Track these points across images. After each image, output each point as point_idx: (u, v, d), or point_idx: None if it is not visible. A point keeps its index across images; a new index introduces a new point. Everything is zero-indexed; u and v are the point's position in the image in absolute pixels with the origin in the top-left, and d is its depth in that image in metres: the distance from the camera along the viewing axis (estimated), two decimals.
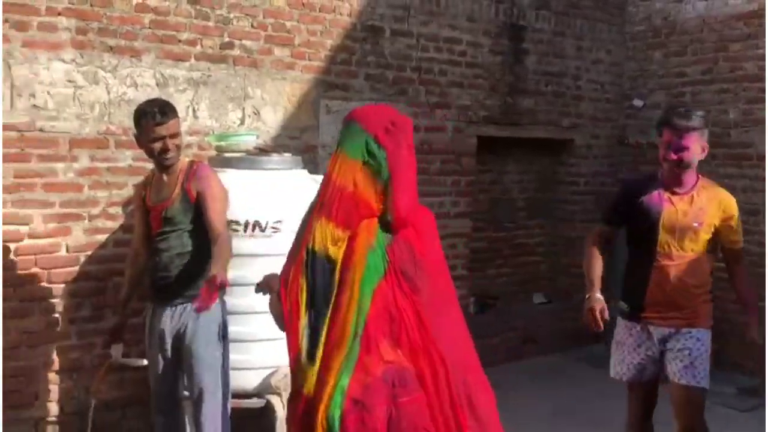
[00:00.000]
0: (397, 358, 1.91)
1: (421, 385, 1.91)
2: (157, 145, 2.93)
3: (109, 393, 3.75)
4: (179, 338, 3.06)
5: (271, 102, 4.33)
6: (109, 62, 3.76)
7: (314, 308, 1.89)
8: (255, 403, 3.33)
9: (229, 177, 3.35)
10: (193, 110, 4.04)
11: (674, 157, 2.99)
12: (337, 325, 1.86)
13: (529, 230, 6.10)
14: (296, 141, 4.43)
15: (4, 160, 3.52)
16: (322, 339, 1.87)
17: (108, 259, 3.83)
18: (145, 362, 3.49)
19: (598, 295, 2.98)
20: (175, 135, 2.96)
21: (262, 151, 3.71)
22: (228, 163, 3.51)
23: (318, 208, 1.99)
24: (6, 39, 3.47)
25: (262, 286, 2.14)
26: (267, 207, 3.33)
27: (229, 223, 3.23)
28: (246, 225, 3.29)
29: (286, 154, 3.80)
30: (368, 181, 2.03)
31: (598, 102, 6.03)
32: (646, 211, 3.08)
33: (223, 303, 3.06)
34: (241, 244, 3.25)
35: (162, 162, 2.99)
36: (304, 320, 1.89)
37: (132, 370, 3.65)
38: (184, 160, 3.09)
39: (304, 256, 1.92)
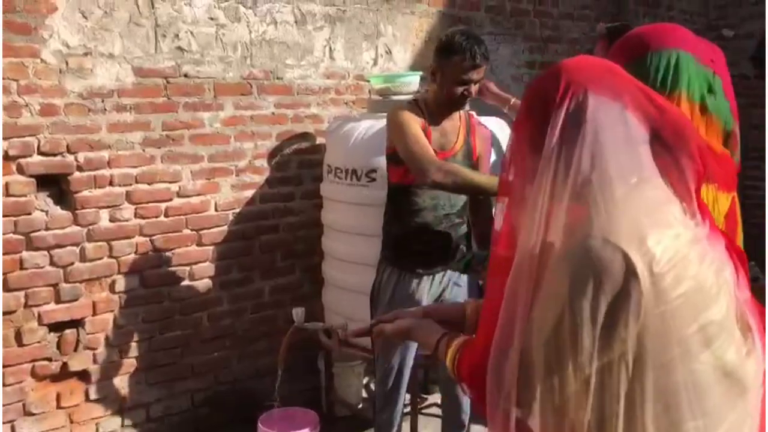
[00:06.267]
0: None
1: None
2: (461, 89, 2.52)
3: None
4: None
5: (402, 39, 3.97)
6: None
7: None
8: None
9: None
10: (330, 50, 3.68)
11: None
12: None
13: None
14: (424, 82, 4.10)
15: (152, 110, 3.14)
16: None
17: (255, 217, 3.52)
18: (321, 324, 3.24)
19: None
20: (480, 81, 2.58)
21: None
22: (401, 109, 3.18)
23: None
24: None
25: None
26: None
27: None
28: None
29: None
30: (711, 130, 1.67)
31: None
32: None
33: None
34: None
35: (451, 105, 2.59)
36: None
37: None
38: None
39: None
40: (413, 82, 3.35)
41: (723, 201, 1.54)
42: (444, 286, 2.69)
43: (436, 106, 2.60)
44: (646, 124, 1.12)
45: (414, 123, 2.53)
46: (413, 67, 4.00)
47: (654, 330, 1.07)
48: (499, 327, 1.16)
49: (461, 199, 2.66)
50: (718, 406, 1.12)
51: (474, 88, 2.53)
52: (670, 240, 1.09)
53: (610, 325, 1.06)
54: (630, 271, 1.05)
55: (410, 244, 2.63)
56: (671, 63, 1.45)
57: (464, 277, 2.71)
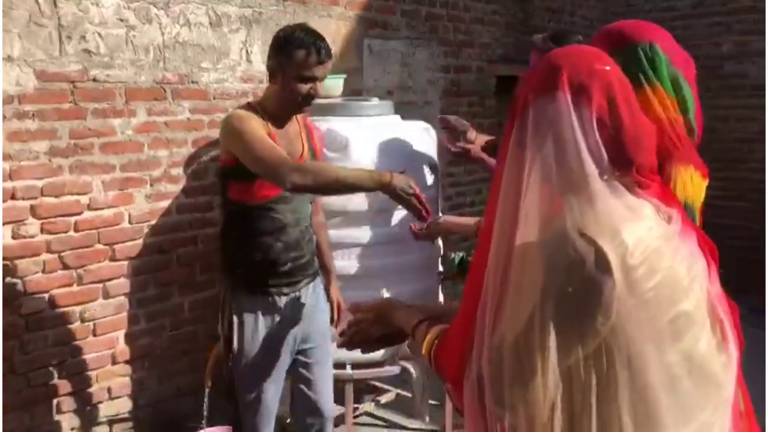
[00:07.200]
0: None
1: None
2: (307, 87, 2.32)
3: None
4: (303, 325, 2.51)
5: None
6: None
7: None
8: (388, 370, 3.06)
9: (335, 126, 2.99)
10: (247, 53, 3.54)
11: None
12: None
13: None
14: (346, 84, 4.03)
15: (58, 117, 2.91)
16: None
17: (172, 228, 3.33)
18: None
19: None
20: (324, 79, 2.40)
21: (359, 96, 3.33)
22: (327, 111, 3.11)
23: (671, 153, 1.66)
24: None
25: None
26: (388, 158, 2.99)
27: None
28: None
29: (374, 99, 3.43)
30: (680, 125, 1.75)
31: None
32: None
33: None
34: (364, 200, 2.94)
35: (295, 108, 2.39)
36: None
37: None
38: None
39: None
40: (336, 85, 3.28)
41: (704, 187, 1.61)
42: (312, 302, 2.51)
43: (278, 110, 2.36)
44: (611, 128, 1.11)
45: (258, 127, 2.27)
46: (332, 71, 3.90)
47: (627, 322, 1.06)
48: (478, 325, 1.14)
49: (309, 208, 2.50)
50: (692, 399, 1.13)
51: (320, 86, 2.34)
52: (643, 232, 1.10)
53: (583, 319, 1.06)
54: (603, 264, 1.05)
55: (275, 266, 2.39)
56: (656, 56, 1.56)
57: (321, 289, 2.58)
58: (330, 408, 2.64)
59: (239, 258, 2.40)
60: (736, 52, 5.59)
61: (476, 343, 1.16)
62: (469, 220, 2.93)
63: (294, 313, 2.47)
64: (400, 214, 3.00)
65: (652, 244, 1.09)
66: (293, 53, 2.28)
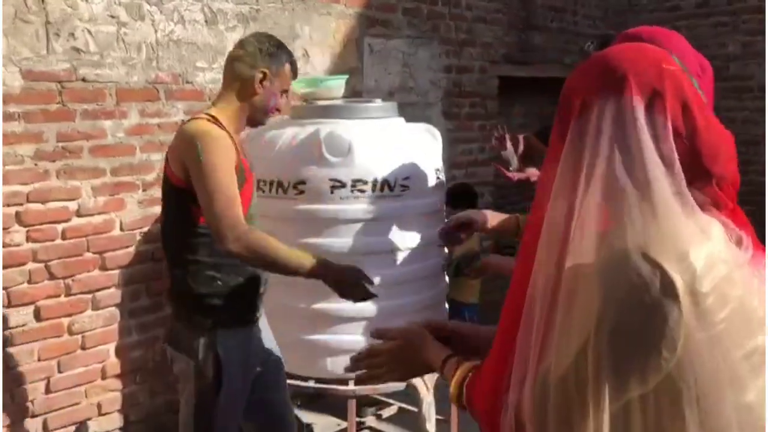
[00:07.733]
0: None
1: None
2: (282, 101, 2.23)
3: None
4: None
5: (319, 41, 3.75)
6: None
7: None
8: (393, 386, 2.91)
9: (337, 130, 2.84)
10: None
11: None
12: None
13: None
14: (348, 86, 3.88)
15: (45, 119, 2.76)
16: None
17: None
18: None
19: None
20: None
21: (359, 97, 3.19)
22: (329, 113, 2.96)
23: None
24: None
25: None
26: (392, 163, 2.85)
27: (355, 183, 2.77)
28: (374, 184, 2.79)
29: (378, 100, 3.29)
30: None
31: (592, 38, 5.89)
32: None
33: None
34: (368, 206, 2.80)
35: (263, 120, 2.26)
36: None
37: None
38: None
39: None
40: (339, 86, 3.13)
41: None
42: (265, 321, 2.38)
43: (248, 122, 2.21)
44: (685, 136, 0.98)
45: (230, 157, 2.03)
46: (332, 71, 3.78)
47: (696, 356, 0.93)
48: (517, 354, 1.00)
49: None
50: None
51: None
52: (713, 255, 0.96)
53: (645, 352, 0.93)
54: (670, 290, 0.91)
55: (257, 290, 2.23)
56: None
57: None
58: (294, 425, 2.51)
59: (220, 290, 2.13)
60: (742, 53, 5.48)
61: (514, 377, 1.02)
62: (505, 216, 2.61)
63: (265, 337, 2.33)
64: (403, 223, 2.87)
65: (722, 270, 0.96)
66: (284, 63, 2.20)
